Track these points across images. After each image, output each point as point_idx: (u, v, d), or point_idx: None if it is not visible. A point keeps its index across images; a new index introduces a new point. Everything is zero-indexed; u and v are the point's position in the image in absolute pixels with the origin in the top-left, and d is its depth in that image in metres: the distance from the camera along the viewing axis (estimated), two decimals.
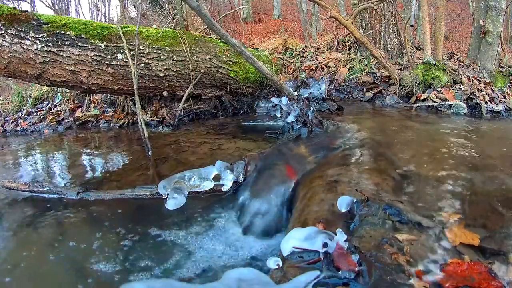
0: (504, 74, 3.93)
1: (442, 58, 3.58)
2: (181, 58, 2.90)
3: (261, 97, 3.30)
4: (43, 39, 2.59)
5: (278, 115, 2.48)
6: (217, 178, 1.60)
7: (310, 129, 2.04)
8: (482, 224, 1.04)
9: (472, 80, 3.43)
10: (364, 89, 3.42)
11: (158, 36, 2.85)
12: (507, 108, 3.01)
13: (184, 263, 1.21)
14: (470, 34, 4.15)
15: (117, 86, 2.85)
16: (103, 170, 2.16)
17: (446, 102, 2.91)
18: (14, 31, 2.55)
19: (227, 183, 1.58)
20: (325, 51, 4.24)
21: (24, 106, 4.59)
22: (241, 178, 1.60)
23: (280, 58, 4.03)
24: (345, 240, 0.93)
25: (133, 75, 2.40)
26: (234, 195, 1.58)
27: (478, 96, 3.01)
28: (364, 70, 3.59)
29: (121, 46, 2.68)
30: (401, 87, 3.21)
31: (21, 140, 3.42)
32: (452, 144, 1.75)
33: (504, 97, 3.29)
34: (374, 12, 3.79)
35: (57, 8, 11.08)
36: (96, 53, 2.66)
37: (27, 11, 2.76)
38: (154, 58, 2.82)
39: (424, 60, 3.32)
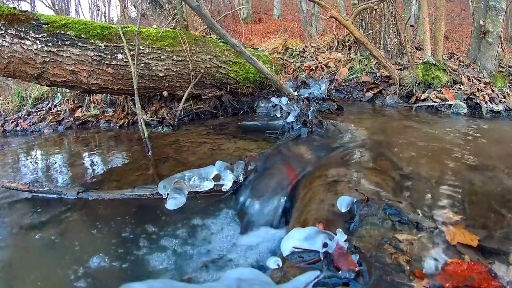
0: (504, 74, 3.93)
1: (442, 58, 3.58)
2: (181, 58, 2.90)
3: (261, 97, 3.29)
4: (43, 39, 2.59)
5: (278, 115, 2.49)
6: (217, 178, 1.60)
7: (310, 129, 2.04)
8: (482, 224, 1.04)
9: (472, 80, 3.43)
10: (364, 89, 3.42)
11: (158, 36, 2.85)
12: (507, 108, 3.01)
13: (184, 263, 1.21)
14: (470, 34, 4.15)
15: (117, 86, 2.85)
16: (103, 170, 2.16)
17: (446, 102, 2.91)
18: (14, 31, 2.55)
19: (227, 183, 1.58)
20: (325, 51, 4.24)
21: (24, 106, 4.59)
22: (241, 178, 1.60)
23: (280, 58, 4.03)
24: (345, 240, 0.93)
25: (133, 75, 2.40)
26: (234, 195, 1.58)
27: (478, 96, 3.01)
28: (364, 70, 3.59)
29: (121, 46, 2.68)
30: (401, 87, 3.21)
31: (21, 140, 3.42)
32: (452, 144, 1.75)
33: (504, 97, 3.29)
34: (374, 12, 3.80)
35: (57, 8, 11.07)
36: (96, 53, 2.66)
37: (27, 11, 2.76)
38: (154, 58, 2.82)
39: (424, 60, 3.32)
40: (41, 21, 2.64)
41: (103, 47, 2.69)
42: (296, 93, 2.78)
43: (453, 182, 1.29)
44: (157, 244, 1.31)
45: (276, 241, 1.26)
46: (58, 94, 4.22)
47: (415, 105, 2.94)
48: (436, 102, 2.95)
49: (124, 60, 2.71)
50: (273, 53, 4.13)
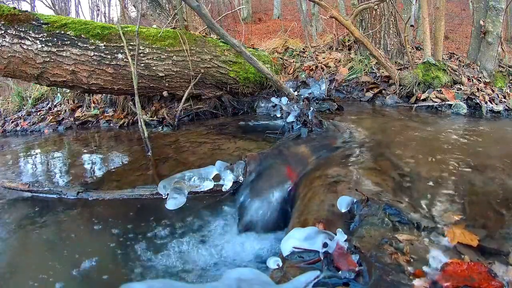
0: (504, 74, 3.93)
1: (442, 58, 3.58)
2: (181, 58, 2.90)
3: (261, 97, 3.29)
4: (43, 39, 2.59)
5: (278, 115, 2.49)
6: (217, 178, 1.60)
7: (310, 129, 2.04)
8: (482, 224, 1.04)
9: (472, 80, 3.43)
10: (364, 89, 3.42)
11: (158, 36, 2.85)
12: (507, 108, 3.01)
13: (184, 263, 1.21)
14: (470, 34, 4.15)
15: (117, 86, 2.85)
16: (103, 170, 2.16)
17: (446, 102, 2.91)
18: (14, 31, 2.55)
19: (227, 183, 1.58)
20: (325, 51, 4.24)
21: (24, 106, 4.59)
22: (241, 178, 1.60)
23: (280, 58, 4.03)
24: (345, 240, 0.93)
25: (133, 75, 2.40)
26: (234, 195, 1.58)
27: (478, 96, 3.01)
28: (364, 70, 3.59)
29: (121, 46, 2.68)
30: (401, 87, 3.21)
31: (21, 140, 3.42)
32: (452, 144, 1.75)
33: (504, 97, 3.29)
34: (374, 12, 3.79)
35: (57, 8, 11.07)
36: (96, 53, 2.66)
37: (27, 11, 2.76)
38: (154, 58, 2.82)
39: (424, 60, 3.32)
40: (41, 21, 2.64)
41: (103, 47, 2.69)
42: (296, 93, 2.78)
43: (453, 182, 1.29)
44: (157, 244, 1.31)
45: (276, 241, 1.26)
46: (58, 94, 4.22)
47: (415, 105, 2.94)
48: (436, 102, 2.95)
49: (124, 60, 2.71)
50: (273, 53, 4.13)
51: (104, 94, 3.69)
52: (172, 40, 2.90)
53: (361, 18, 3.99)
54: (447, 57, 4.19)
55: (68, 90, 3.61)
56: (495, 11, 3.64)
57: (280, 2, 13.60)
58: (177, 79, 2.97)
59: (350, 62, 3.81)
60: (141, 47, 2.73)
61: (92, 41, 2.67)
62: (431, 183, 1.29)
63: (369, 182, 1.29)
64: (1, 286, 1.14)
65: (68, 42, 2.62)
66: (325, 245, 0.92)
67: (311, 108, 2.13)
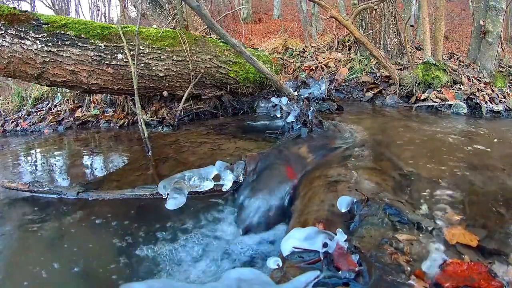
0: (504, 74, 3.93)
1: (442, 58, 3.58)
2: (181, 58, 2.90)
3: (261, 97, 3.29)
4: (43, 39, 2.59)
5: (278, 115, 2.49)
6: (217, 178, 1.60)
7: (310, 129, 2.04)
8: (482, 224, 1.04)
9: (472, 80, 3.43)
10: (364, 89, 3.42)
11: (158, 36, 2.85)
12: (507, 108, 3.01)
13: (184, 263, 1.21)
14: (470, 34, 4.15)
15: (117, 86, 2.85)
16: (103, 170, 2.16)
17: (446, 102, 2.91)
18: (14, 31, 2.55)
19: (227, 183, 1.58)
20: (325, 51, 4.24)
21: (24, 106, 4.59)
22: (241, 178, 1.60)
23: (280, 58, 4.03)
24: (345, 240, 0.93)
25: (133, 75, 2.40)
26: (234, 195, 1.58)
27: (478, 96, 3.01)
28: (364, 70, 3.59)
29: (121, 46, 2.68)
30: (401, 87, 3.21)
31: (21, 140, 3.42)
32: (452, 144, 1.75)
33: (504, 97, 3.29)
34: (374, 12, 3.80)
35: (57, 8, 11.07)
36: (96, 53, 2.66)
37: (27, 11, 2.76)
38: (154, 58, 2.82)
39: (424, 60, 3.32)
40: (41, 21, 2.64)
41: (103, 47, 2.69)
42: (296, 93, 2.77)
43: (453, 182, 1.29)
44: (157, 244, 1.31)
45: (276, 241, 1.26)
46: (58, 94, 4.22)
47: (415, 105, 2.94)
48: (436, 102, 2.95)
49: (124, 60, 2.71)
50: (273, 53, 4.13)
51: (104, 94, 3.69)
52: (172, 40, 2.90)
53: (361, 18, 3.99)
54: (447, 57, 4.19)
55: (68, 90, 3.61)
56: (495, 11, 3.64)
57: (280, 2, 13.60)
58: (177, 79, 2.97)
59: (350, 62, 3.81)
60: (141, 47, 2.73)
61: (92, 41, 2.67)
62: (431, 183, 1.29)
63: (369, 182, 1.30)
64: (1, 286, 1.14)
65: (68, 42, 2.62)
66: (325, 245, 0.92)
67: (311, 108, 2.13)
